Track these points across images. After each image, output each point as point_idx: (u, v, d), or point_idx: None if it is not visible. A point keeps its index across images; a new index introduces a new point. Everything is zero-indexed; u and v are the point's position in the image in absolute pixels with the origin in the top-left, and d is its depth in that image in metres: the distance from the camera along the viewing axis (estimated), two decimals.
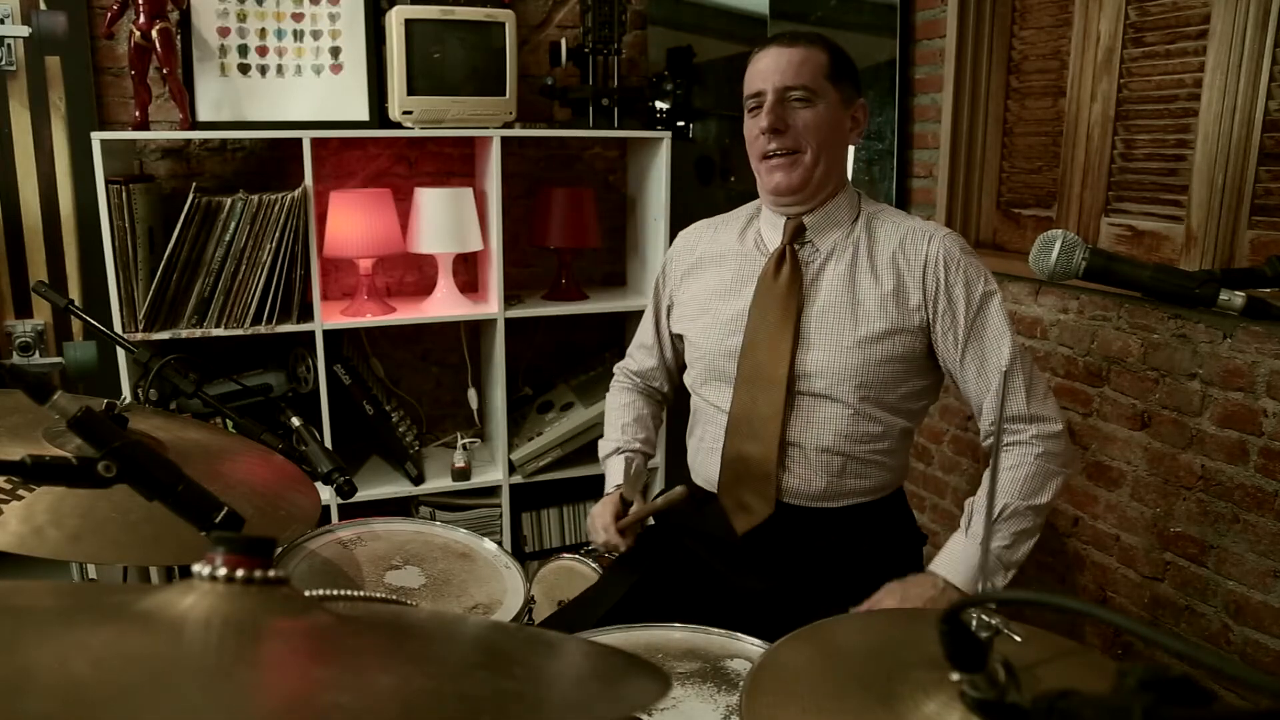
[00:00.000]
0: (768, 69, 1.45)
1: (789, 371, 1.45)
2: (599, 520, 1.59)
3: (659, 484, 2.71)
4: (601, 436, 1.79)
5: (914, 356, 1.46)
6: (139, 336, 2.18)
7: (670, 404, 1.87)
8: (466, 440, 2.60)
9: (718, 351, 1.53)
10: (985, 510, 1.39)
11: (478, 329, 2.74)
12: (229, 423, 1.77)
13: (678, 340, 1.69)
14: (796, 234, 1.49)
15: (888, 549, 1.54)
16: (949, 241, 1.45)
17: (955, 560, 1.39)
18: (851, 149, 2.54)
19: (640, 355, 1.79)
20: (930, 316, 1.44)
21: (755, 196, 1.61)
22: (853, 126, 1.51)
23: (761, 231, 1.57)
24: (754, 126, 1.48)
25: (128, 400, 1.74)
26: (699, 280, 1.61)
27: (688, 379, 1.66)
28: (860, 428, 1.46)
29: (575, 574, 1.83)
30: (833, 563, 1.49)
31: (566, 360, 2.85)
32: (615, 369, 1.86)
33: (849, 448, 1.47)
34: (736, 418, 1.51)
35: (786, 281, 1.47)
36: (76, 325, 2.43)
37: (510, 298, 2.57)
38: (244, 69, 2.39)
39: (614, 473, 1.70)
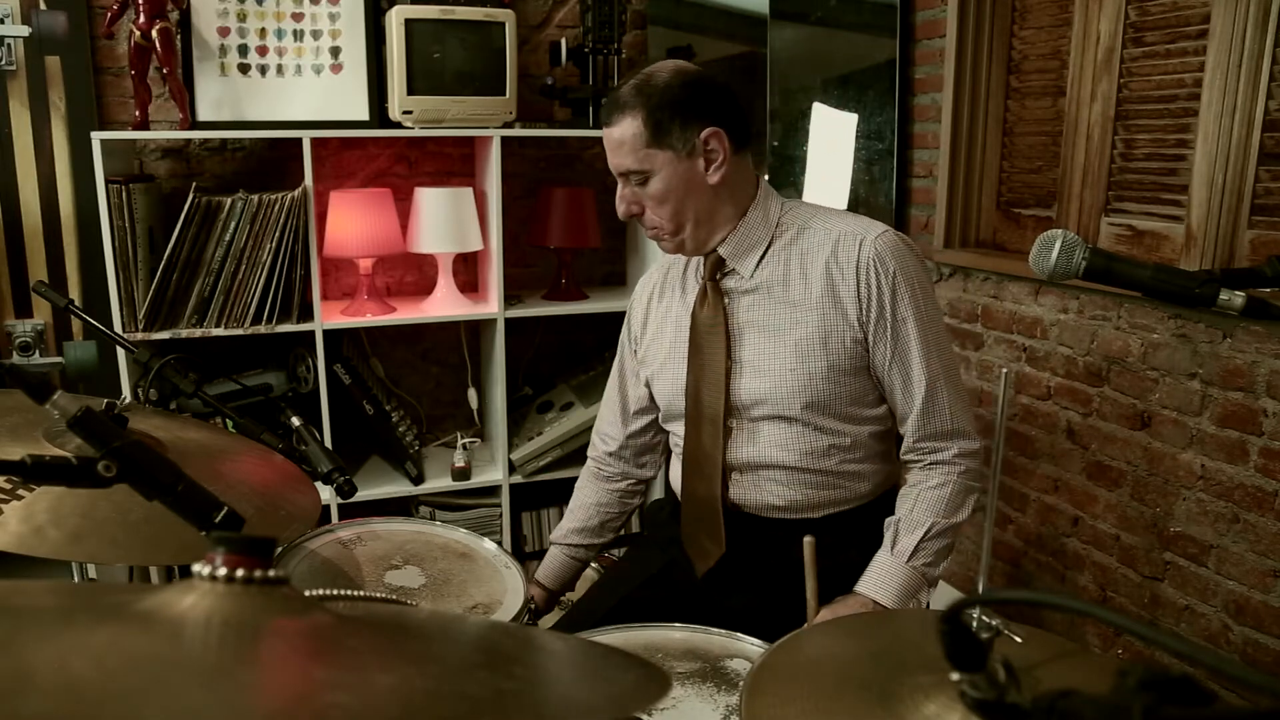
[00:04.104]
0: (607, 149, 1.45)
1: (725, 403, 1.44)
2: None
3: None
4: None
5: (860, 366, 1.42)
6: (139, 336, 2.18)
7: (652, 481, 1.78)
8: (466, 440, 2.60)
9: (673, 391, 1.53)
10: (913, 528, 1.40)
11: (478, 329, 2.74)
12: (229, 423, 1.77)
13: (649, 384, 1.62)
14: (717, 267, 1.47)
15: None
16: (881, 244, 1.38)
17: (883, 580, 1.38)
18: (853, 152, 2.54)
19: (606, 422, 1.71)
20: (865, 324, 1.39)
21: None
22: (709, 162, 1.40)
23: (700, 264, 1.53)
24: None
25: (128, 400, 1.75)
26: (653, 323, 1.60)
27: (661, 419, 1.63)
28: (821, 441, 1.43)
29: None
30: (820, 568, 1.46)
31: (566, 360, 2.85)
32: (589, 454, 1.77)
33: (813, 462, 1.44)
34: (688, 457, 1.51)
35: (710, 315, 1.46)
36: (76, 325, 2.43)
37: (510, 298, 2.57)
38: (244, 69, 2.39)
39: (545, 564, 1.75)
